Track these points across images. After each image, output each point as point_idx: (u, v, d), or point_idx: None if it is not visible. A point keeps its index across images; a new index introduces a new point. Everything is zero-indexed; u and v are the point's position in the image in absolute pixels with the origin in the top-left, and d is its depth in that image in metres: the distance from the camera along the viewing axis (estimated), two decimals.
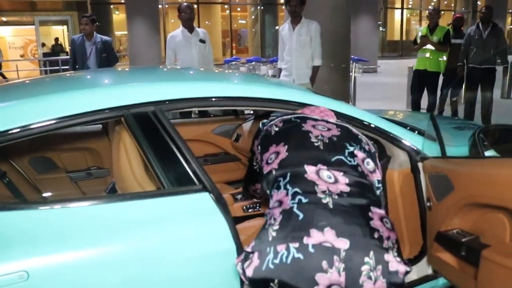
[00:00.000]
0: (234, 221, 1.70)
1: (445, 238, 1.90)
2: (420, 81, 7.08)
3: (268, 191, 1.52)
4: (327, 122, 1.68)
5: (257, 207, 2.62)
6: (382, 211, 1.40)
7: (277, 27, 26.16)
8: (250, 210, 2.63)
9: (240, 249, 1.64)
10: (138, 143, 1.70)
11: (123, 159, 1.90)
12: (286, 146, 1.54)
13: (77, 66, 6.12)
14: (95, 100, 1.71)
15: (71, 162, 3.07)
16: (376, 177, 1.55)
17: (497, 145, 2.24)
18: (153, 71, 2.79)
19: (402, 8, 29.49)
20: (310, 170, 1.45)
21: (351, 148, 1.54)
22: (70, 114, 1.66)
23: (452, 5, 32.48)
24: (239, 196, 2.75)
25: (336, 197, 1.37)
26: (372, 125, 2.21)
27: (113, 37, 21.28)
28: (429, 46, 6.90)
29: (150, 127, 1.71)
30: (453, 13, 31.65)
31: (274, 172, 1.49)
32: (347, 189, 1.40)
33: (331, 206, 1.34)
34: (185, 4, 5.29)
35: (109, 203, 1.62)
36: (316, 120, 1.67)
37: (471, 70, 7.06)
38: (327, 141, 1.55)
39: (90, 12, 14.86)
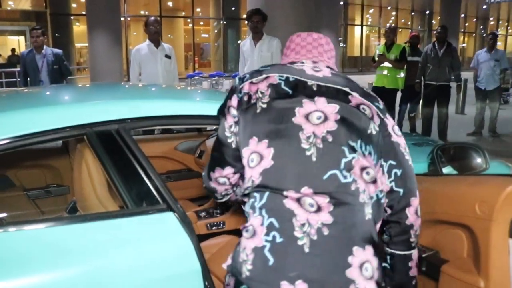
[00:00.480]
0: (198, 240, 1.68)
1: None
2: (380, 97, 7.23)
3: (241, 199, 1.39)
4: (324, 96, 1.34)
5: (221, 225, 2.60)
6: (364, 255, 1.23)
7: (239, 41, 26.36)
8: (214, 228, 2.61)
9: (205, 268, 1.62)
10: (101, 162, 1.67)
11: (85, 178, 1.86)
12: (272, 150, 1.29)
13: (28, 79, 6.03)
14: (57, 117, 1.67)
15: (29, 179, 2.97)
16: (376, 188, 1.31)
17: (454, 161, 2.32)
18: (116, 88, 2.75)
19: (361, 25, 30.34)
20: (291, 197, 1.25)
21: (350, 157, 1.27)
22: (31, 132, 1.61)
23: (409, 23, 33.67)
24: (202, 214, 2.73)
25: (315, 236, 1.20)
26: None
27: (74, 49, 20.96)
28: (386, 64, 7.10)
29: (113, 145, 1.68)
30: (410, 30, 32.84)
31: (252, 186, 1.30)
32: (329, 220, 1.22)
33: (306, 249, 1.19)
34: (152, 18, 5.26)
35: (71, 224, 1.58)
36: (311, 94, 1.34)
37: (428, 86, 7.33)
38: (321, 145, 1.27)
39: (50, 24, 14.57)
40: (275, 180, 1.28)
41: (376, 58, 7.30)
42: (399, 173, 1.36)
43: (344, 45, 29.34)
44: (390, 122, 1.42)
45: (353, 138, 1.30)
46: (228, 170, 1.44)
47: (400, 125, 7.80)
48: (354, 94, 1.38)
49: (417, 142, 3.28)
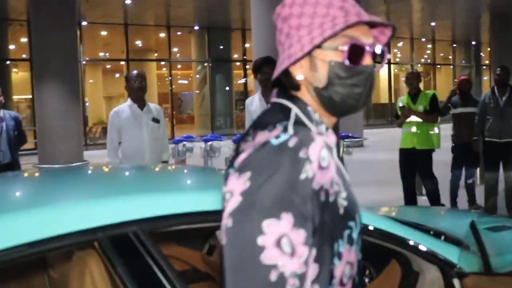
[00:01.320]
0: None
1: None
2: (410, 162, 7.29)
3: None
4: None
5: None
6: None
7: (227, 88, 26.93)
8: None
9: None
10: (118, 275, 1.78)
11: None
12: None
13: None
14: (62, 220, 1.80)
15: None
16: None
17: None
18: (121, 174, 2.89)
19: (389, 63, 30.96)
20: None
21: None
22: (23, 242, 1.72)
23: (450, 57, 34.53)
24: None
25: None
26: (394, 235, 2.39)
27: (11, 102, 21.29)
28: (413, 118, 7.17)
29: (132, 253, 1.80)
30: (452, 66, 33.74)
31: None
32: None
33: None
34: (135, 71, 5.45)
35: None
36: None
37: (489, 145, 7.50)
38: None
39: None
40: None
41: (399, 112, 7.37)
42: None
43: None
44: (230, 185, 1.21)
45: None
46: None
47: (454, 196, 7.95)
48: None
49: (492, 225, 3.40)
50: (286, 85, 1.36)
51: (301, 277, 1.11)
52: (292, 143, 1.17)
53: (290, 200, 1.12)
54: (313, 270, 1.17)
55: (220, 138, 10.89)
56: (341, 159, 1.36)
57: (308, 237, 1.13)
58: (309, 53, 1.29)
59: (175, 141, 10.22)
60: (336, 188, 1.24)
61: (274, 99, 1.38)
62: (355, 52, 1.28)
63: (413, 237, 2.45)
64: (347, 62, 1.28)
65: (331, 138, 1.34)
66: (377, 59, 1.36)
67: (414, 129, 7.20)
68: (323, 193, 1.18)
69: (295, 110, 1.32)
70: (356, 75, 1.29)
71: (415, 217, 3.58)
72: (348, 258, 1.27)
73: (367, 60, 1.30)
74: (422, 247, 2.43)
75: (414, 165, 7.33)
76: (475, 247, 2.40)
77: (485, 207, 7.66)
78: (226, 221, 1.16)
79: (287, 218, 1.11)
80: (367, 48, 1.30)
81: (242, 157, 1.21)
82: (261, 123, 1.29)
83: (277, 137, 1.19)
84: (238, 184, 1.17)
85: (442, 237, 2.75)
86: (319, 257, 1.18)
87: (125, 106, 5.36)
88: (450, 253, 2.46)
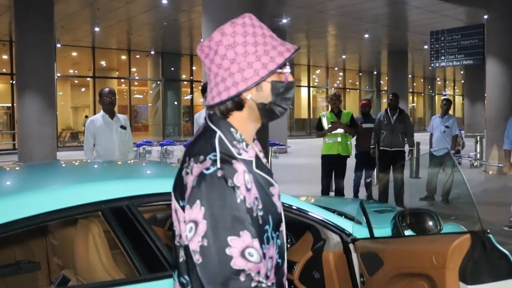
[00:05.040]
0: None
1: None
2: (332, 165, 7.74)
3: None
4: None
5: None
6: None
7: (176, 103, 27.23)
8: None
9: None
10: (116, 235, 2.10)
11: (92, 250, 2.27)
12: None
13: None
14: (76, 195, 2.11)
15: None
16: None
17: (414, 225, 2.91)
18: (115, 166, 3.18)
19: (308, 86, 31.95)
20: None
21: None
22: (50, 210, 2.03)
23: (357, 83, 35.86)
24: None
25: None
26: (309, 213, 2.80)
27: None
28: (339, 130, 7.61)
29: (126, 220, 2.12)
30: (358, 90, 34.96)
31: None
32: None
33: None
34: (107, 89, 5.70)
35: None
36: None
37: (382, 152, 8.12)
38: None
39: None
40: None
41: (325, 126, 7.74)
42: None
43: (291, 107, 30.85)
44: (190, 217, 1.25)
45: None
46: None
47: (356, 191, 8.51)
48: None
49: (379, 209, 3.89)
50: (220, 109, 1.34)
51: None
52: (220, 173, 1.21)
53: (242, 218, 1.19)
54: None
55: (173, 143, 11.28)
56: (269, 162, 1.51)
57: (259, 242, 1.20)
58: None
59: (137, 144, 10.50)
60: (256, 203, 1.26)
61: (204, 122, 1.37)
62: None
63: (323, 215, 2.86)
64: (290, 78, 1.35)
65: (251, 153, 1.34)
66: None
67: (339, 139, 7.58)
68: (253, 210, 1.23)
69: (219, 133, 1.32)
70: (290, 89, 1.36)
71: (326, 203, 4.01)
72: (268, 254, 1.30)
73: (291, 77, 1.36)
74: (328, 221, 2.85)
75: (333, 168, 7.73)
76: (364, 221, 2.84)
77: (378, 200, 8.22)
78: (202, 241, 1.17)
79: (245, 234, 1.18)
80: (289, 68, 1.36)
81: (188, 191, 1.23)
82: (194, 154, 1.29)
83: (207, 169, 1.22)
84: (194, 213, 1.20)
85: (343, 216, 3.18)
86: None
87: (99, 116, 5.60)
88: (347, 226, 2.88)
